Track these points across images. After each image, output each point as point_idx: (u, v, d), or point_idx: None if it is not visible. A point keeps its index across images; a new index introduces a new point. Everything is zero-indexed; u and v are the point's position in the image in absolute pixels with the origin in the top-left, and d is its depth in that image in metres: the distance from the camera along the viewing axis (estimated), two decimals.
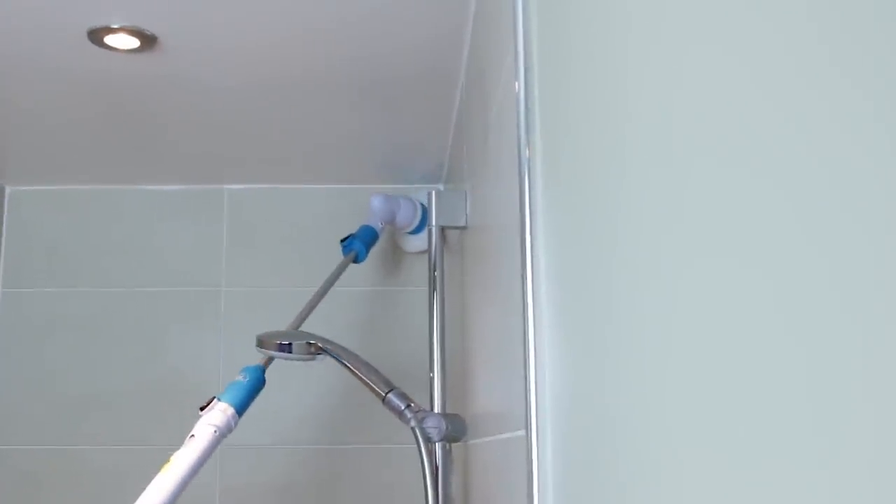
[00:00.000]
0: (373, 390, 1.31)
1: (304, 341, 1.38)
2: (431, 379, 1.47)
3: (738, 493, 0.34)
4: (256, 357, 2.00)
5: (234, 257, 2.06)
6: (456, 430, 1.30)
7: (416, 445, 1.26)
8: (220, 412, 1.31)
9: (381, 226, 1.84)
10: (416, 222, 1.91)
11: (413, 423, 1.25)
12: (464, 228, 1.46)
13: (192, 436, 1.29)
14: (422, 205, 1.91)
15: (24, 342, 2.02)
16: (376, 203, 1.85)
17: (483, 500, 1.17)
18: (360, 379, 1.33)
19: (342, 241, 1.82)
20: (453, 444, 1.43)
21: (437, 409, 1.50)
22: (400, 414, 1.27)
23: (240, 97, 1.60)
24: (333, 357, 1.36)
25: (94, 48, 1.40)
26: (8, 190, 2.08)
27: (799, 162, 0.29)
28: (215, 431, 1.29)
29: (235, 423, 1.34)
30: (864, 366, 0.25)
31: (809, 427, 0.28)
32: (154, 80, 1.53)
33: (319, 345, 1.37)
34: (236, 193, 2.08)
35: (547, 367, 0.72)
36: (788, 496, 0.30)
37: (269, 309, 2.03)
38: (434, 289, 1.60)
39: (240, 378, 1.37)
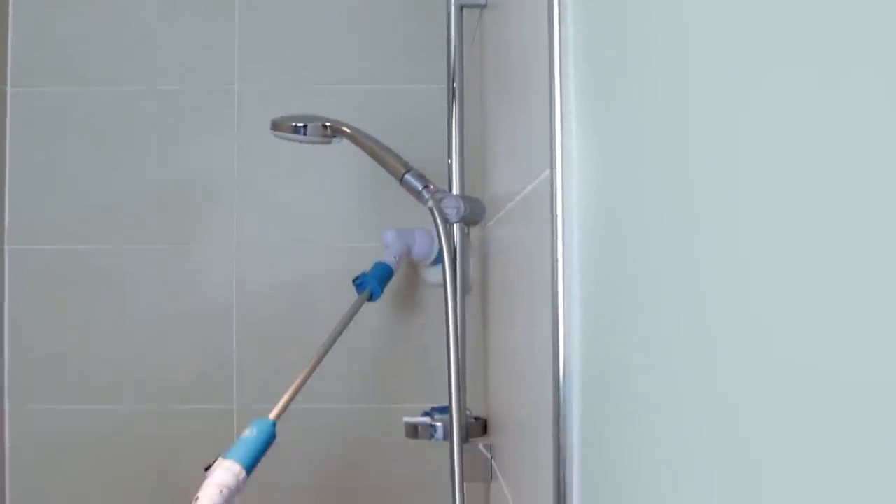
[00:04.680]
0: (390, 171, 1.29)
1: (320, 123, 1.35)
2: (450, 165, 1.44)
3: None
4: (272, 155, 1.99)
5: (247, 55, 2.00)
6: (475, 211, 1.29)
7: (433, 226, 1.25)
8: (225, 471, 1.21)
9: (395, 260, 1.74)
10: (435, 254, 1.80)
11: (431, 203, 1.23)
12: (483, 7, 1.40)
13: (197, 498, 1.19)
14: None
15: (36, 143, 2.00)
16: (389, 237, 1.76)
17: (504, 271, 1.17)
18: (378, 160, 1.31)
19: (354, 280, 1.71)
20: (472, 228, 1.42)
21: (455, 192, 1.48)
22: (417, 194, 1.25)
23: None
24: (349, 139, 1.34)
25: None
26: None
27: None
28: (221, 491, 1.18)
29: (244, 483, 1.24)
30: None
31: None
32: None
33: (335, 126, 1.34)
34: None
35: (573, 114, 0.69)
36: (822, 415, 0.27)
37: (283, 107, 1.99)
38: (452, 80, 1.55)
39: (247, 433, 1.28)
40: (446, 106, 1.54)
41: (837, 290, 0.29)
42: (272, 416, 1.33)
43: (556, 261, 0.73)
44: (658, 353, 0.48)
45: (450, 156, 1.45)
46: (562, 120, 0.71)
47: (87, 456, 1.97)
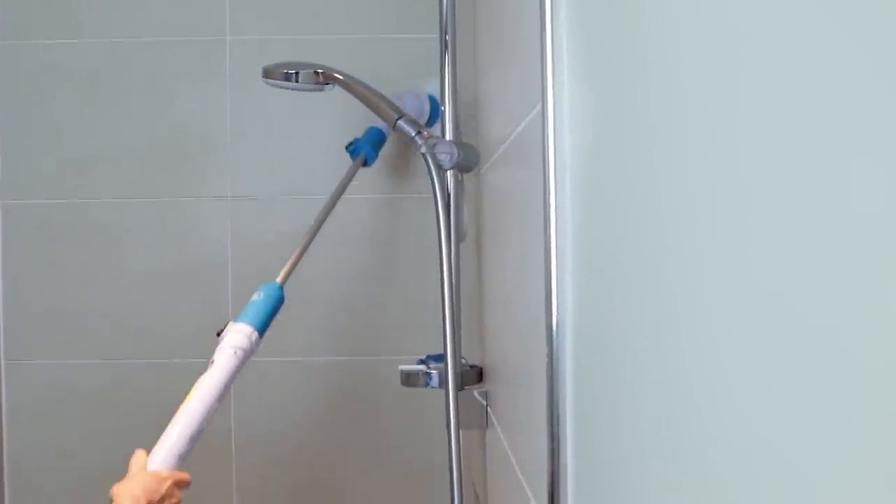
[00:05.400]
0: (383, 117, 1.28)
1: (312, 70, 1.33)
2: (443, 112, 1.43)
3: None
4: (264, 107, 1.96)
5: (238, 5, 1.97)
6: (468, 158, 1.27)
7: (427, 174, 1.24)
8: (238, 333, 1.23)
9: (386, 124, 1.73)
10: (427, 116, 1.79)
11: (424, 150, 1.22)
12: None
13: (212, 361, 1.21)
14: (430, 96, 1.79)
15: (28, 97, 1.97)
16: None
17: (497, 217, 1.16)
18: (370, 106, 1.29)
19: (347, 146, 1.70)
20: (465, 175, 1.41)
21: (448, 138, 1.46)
22: (410, 140, 1.24)
23: None
24: (342, 86, 1.32)
25: None
26: None
27: None
28: (236, 353, 1.21)
29: (257, 344, 1.25)
30: None
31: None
32: None
33: (327, 73, 1.32)
34: None
35: (564, 48, 0.67)
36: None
37: (275, 58, 1.94)
38: (445, 30, 1.53)
39: (255, 297, 1.29)
40: (439, 55, 1.52)
41: (834, 240, 0.28)
42: (279, 279, 1.36)
43: (549, 200, 0.72)
44: (651, 297, 0.47)
45: (443, 103, 1.43)
46: (553, 54, 0.69)
47: (84, 411, 1.97)
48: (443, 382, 1.32)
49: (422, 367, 1.46)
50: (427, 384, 1.45)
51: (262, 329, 1.27)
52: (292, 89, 1.37)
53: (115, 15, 1.97)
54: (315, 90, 1.36)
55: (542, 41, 0.71)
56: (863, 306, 0.26)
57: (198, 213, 1.98)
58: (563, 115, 0.68)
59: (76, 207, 1.97)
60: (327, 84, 1.34)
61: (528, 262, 0.85)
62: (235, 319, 1.26)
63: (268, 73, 1.37)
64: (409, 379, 1.46)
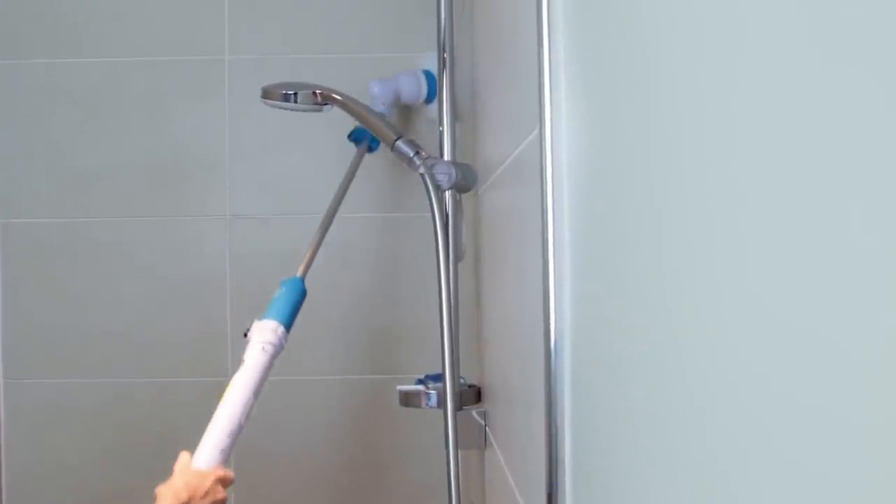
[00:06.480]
0: (381, 137, 1.28)
1: (310, 90, 1.33)
2: (441, 132, 1.43)
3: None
4: (263, 126, 1.97)
5: (237, 24, 1.98)
6: (466, 178, 1.28)
7: (426, 194, 1.24)
8: (264, 330, 1.23)
9: (385, 107, 1.74)
10: (424, 93, 1.79)
11: (422, 170, 1.22)
12: None
13: (243, 360, 1.22)
14: (425, 72, 1.79)
15: (26, 115, 1.98)
16: (376, 89, 1.75)
17: (495, 237, 1.16)
18: (369, 127, 1.30)
19: (349, 135, 1.71)
20: (464, 195, 1.41)
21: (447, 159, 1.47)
22: (409, 161, 1.24)
23: None
24: (340, 106, 1.33)
25: None
26: None
27: None
28: (264, 348, 1.21)
29: (285, 338, 1.26)
30: None
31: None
32: None
33: (326, 93, 1.33)
34: None
35: (562, 72, 0.68)
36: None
37: (274, 78, 1.95)
38: (443, 49, 1.54)
39: (277, 294, 1.30)
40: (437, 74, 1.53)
41: (826, 257, 0.28)
42: (299, 273, 1.36)
43: (547, 220, 0.72)
44: (648, 317, 0.48)
45: (441, 123, 1.44)
46: (550, 78, 0.70)
47: (83, 429, 1.97)
48: (441, 402, 1.32)
49: (420, 386, 1.46)
50: (426, 404, 1.45)
51: (288, 323, 1.28)
52: (291, 110, 1.37)
53: (115, 34, 1.98)
54: (314, 111, 1.37)
55: (540, 63, 0.71)
56: (858, 315, 0.26)
57: (197, 232, 1.98)
58: (560, 138, 0.68)
59: (76, 226, 1.98)
60: (326, 104, 1.35)
61: (526, 281, 0.85)
62: (260, 318, 1.27)
63: (266, 94, 1.37)
64: (407, 399, 1.46)
